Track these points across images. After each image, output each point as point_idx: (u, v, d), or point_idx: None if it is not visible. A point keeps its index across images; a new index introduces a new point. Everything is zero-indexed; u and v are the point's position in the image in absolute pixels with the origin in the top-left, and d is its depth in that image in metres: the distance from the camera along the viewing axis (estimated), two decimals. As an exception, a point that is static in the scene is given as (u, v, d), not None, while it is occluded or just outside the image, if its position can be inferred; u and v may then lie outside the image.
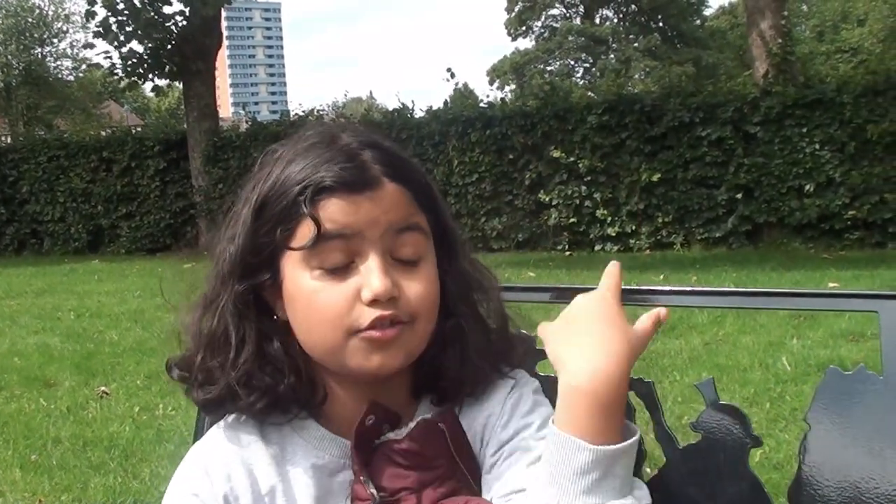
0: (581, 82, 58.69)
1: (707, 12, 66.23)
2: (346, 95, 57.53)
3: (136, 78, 18.21)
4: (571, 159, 13.94)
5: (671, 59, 53.70)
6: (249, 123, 18.12)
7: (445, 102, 16.70)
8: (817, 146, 12.32)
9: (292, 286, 1.13)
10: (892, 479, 1.20)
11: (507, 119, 14.52)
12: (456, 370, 1.18)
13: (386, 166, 1.13)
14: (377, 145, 1.16)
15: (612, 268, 1.27)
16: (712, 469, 1.33)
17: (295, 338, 1.16)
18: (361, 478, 1.11)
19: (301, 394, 1.16)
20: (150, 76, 18.15)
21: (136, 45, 17.75)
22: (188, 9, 17.42)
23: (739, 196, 12.89)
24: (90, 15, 17.72)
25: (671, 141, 13.34)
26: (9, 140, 24.93)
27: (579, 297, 1.19)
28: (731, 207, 13.03)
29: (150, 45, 17.61)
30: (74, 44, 44.53)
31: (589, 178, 13.89)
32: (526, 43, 69.91)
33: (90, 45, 36.57)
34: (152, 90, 19.18)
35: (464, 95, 19.84)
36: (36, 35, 43.63)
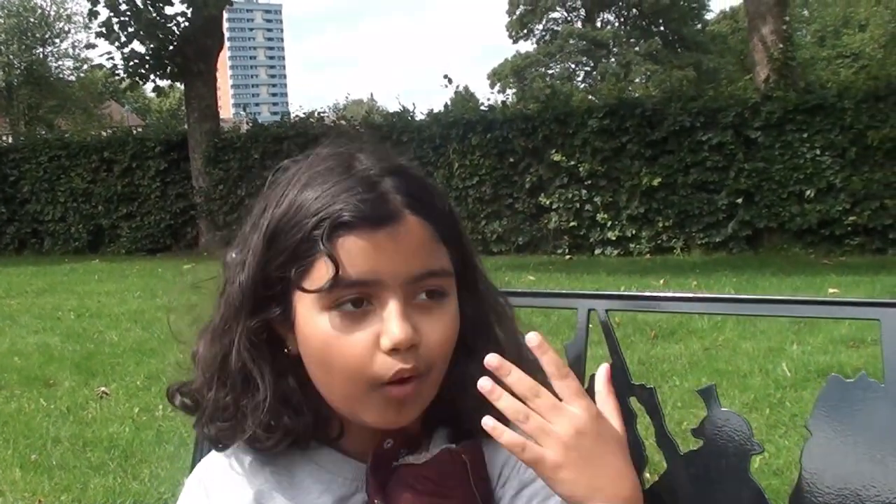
0: (582, 86, 58.72)
1: (708, 16, 66.26)
2: (347, 97, 57.49)
3: (137, 78, 18.24)
4: (572, 163, 13.94)
5: (672, 63, 53.73)
6: (250, 125, 18.12)
7: (446, 105, 16.71)
8: (818, 151, 12.32)
9: (306, 327, 1.06)
10: (893, 486, 1.20)
11: (508, 122, 14.52)
12: (475, 405, 1.08)
13: (408, 196, 1.05)
14: (398, 171, 1.08)
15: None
16: (713, 475, 1.34)
17: (307, 372, 1.09)
18: (376, 501, 1.09)
19: (319, 430, 1.11)
20: (152, 77, 18.17)
21: (137, 46, 17.80)
22: (190, 10, 17.45)
23: (740, 201, 12.89)
24: (93, 15, 17.73)
25: (672, 145, 13.34)
26: (10, 140, 24.91)
27: (576, 422, 0.96)
28: (731, 212, 13.03)
29: (151, 45, 17.63)
30: (76, 44, 44.72)
31: (589, 181, 13.90)
32: (527, 46, 69.83)
33: (92, 46, 36.53)
34: (153, 90, 19.21)
35: (464, 98, 19.85)
36: (38, 35, 43.67)
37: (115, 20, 17.46)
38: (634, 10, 65.74)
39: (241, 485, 1.11)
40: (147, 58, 17.81)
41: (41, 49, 44.14)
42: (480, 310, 1.15)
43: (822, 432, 1.26)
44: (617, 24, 68.25)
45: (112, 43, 17.71)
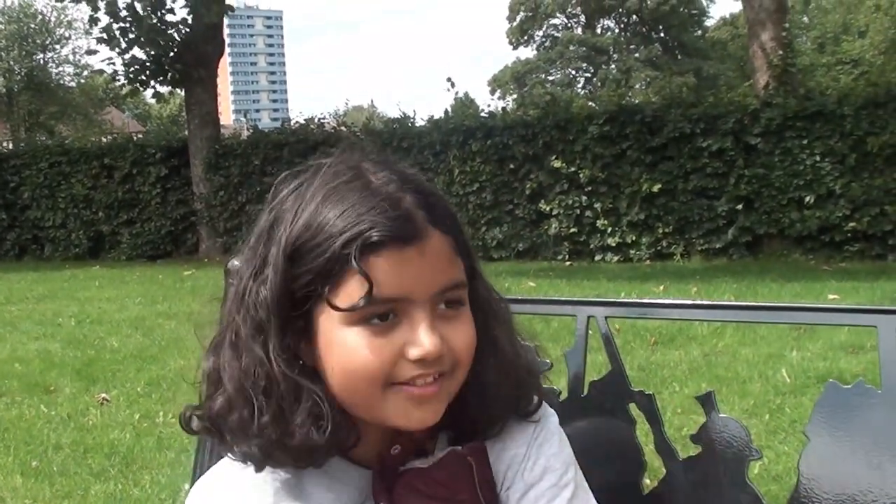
0: (582, 92, 58.77)
1: (708, 23, 66.45)
2: (346, 103, 57.41)
3: (138, 85, 18.24)
4: (572, 169, 13.95)
5: (672, 69, 53.73)
6: (251, 131, 18.13)
7: (446, 112, 16.72)
8: (818, 158, 12.33)
9: (329, 339, 1.06)
10: (890, 491, 1.21)
11: (508, 129, 14.53)
12: (477, 408, 1.14)
13: (428, 212, 1.07)
14: (414, 186, 1.09)
15: None
16: (712, 481, 1.34)
17: (325, 383, 1.09)
18: None
19: (337, 441, 1.09)
20: (153, 83, 18.18)
21: (138, 52, 17.81)
22: (191, 17, 17.47)
23: (740, 207, 12.90)
24: (94, 21, 17.75)
25: (672, 152, 13.35)
26: (10, 146, 24.93)
27: None
28: (731, 218, 13.04)
29: (152, 52, 17.65)
30: (76, 50, 44.63)
31: (589, 188, 13.91)
32: (527, 52, 69.99)
33: (93, 52, 36.47)
34: (153, 96, 19.20)
35: (465, 105, 19.85)
36: (38, 41, 43.69)
37: (115, 26, 17.47)
38: (634, 17, 65.88)
39: (248, 496, 1.11)
40: (148, 64, 17.82)
41: (42, 55, 44.16)
42: (483, 314, 1.16)
43: (819, 438, 1.27)
44: (617, 31, 68.41)
45: (112, 48, 17.72)
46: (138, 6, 17.38)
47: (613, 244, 13.86)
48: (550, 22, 68.49)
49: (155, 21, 17.51)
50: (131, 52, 17.79)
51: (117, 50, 17.76)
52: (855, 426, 1.24)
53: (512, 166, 14.48)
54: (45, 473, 4.59)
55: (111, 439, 5.13)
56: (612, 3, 65.16)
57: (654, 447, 1.43)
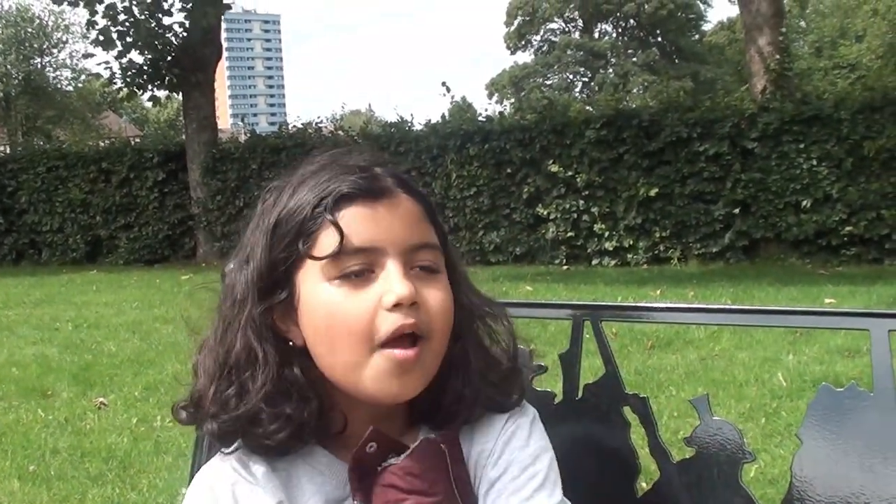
0: (580, 96, 58.82)
1: (706, 28, 66.47)
2: (343, 108, 57.38)
3: (135, 88, 18.22)
4: (569, 173, 13.97)
5: (669, 73, 53.90)
6: (248, 135, 18.12)
7: (443, 116, 16.73)
8: (814, 162, 12.35)
9: (311, 299, 1.11)
10: (882, 493, 1.22)
11: (506, 133, 14.54)
12: (456, 398, 1.17)
13: (398, 179, 1.16)
14: (386, 163, 1.18)
15: None
16: (706, 483, 1.35)
17: (314, 363, 1.14)
18: (357, 501, 1.11)
19: (322, 423, 1.14)
20: (150, 87, 18.17)
21: (136, 56, 17.80)
22: (188, 21, 17.47)
23: (737, 211, 12.91)
24: (91, 24, 17.73)
25: (669, 156, 13.37)
26: (8, 150, 24.90)
27: None
28: (728, 223, 13.05)
29: (149, 56, 17.64)
30: (74, 54, 44.56)
31: (587, 192, 13.92)
32: (525, 57, 70.04)
33: (90, 55, 36.50)
34: (149, 100, 19.18)
35: (462, 109, 19.86)
36: (35, 45, 43.63)
37: (113, 30, 17.45)
38: (632, 21, 65.96)
39: (242, 487, 1.12)
40: (145, 68, 17.81)
41: (39, 59, 44.10)
42: (463, 303, 1.21)
43: (812, 441, 1.28)
44: (615, 35, 68.46)
45: (106, 50, 17.69)
46: (136, 10, 17.38)
47: (611, 248, 13.87)
48: (548, 26, 68.55)
49: (153, 25, 17.50)
50: (128, 56, 17.78)
51: (115, 54, 17.75)
52: (847, 429, 1.25)
53: (509, 170, 14.50)
54: (42, 478, 4.60)
55: (108, 443, 5.14)
56: (610, 7, 65.25)
57: (648, 450, 1.44)
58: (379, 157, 1.20)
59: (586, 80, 66.97)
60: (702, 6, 66.13)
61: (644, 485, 1.45)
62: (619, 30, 68.46)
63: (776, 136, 12.61)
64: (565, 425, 1.47)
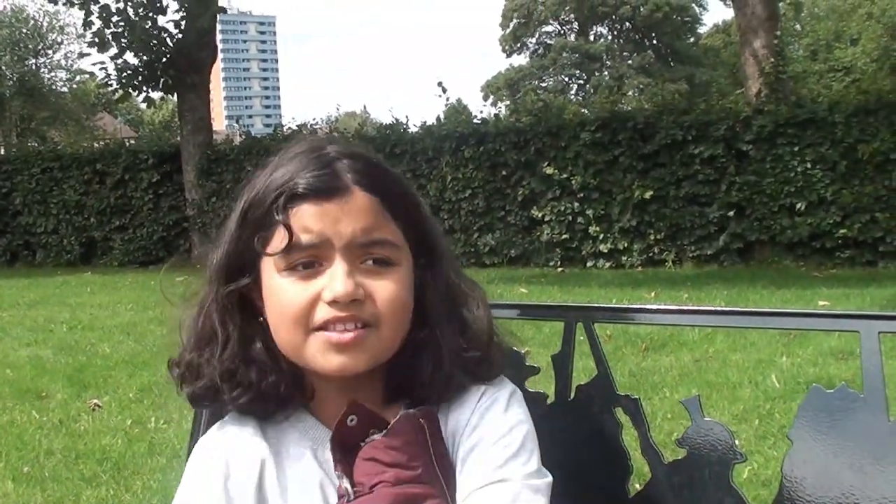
0: (575, 99, 58.86)
1: (701, 30, 66.57)
2: (338, 109, 57.36)
3: (130, 89, 18.19)
4: (564, 176, 13.98)
5: (664, 76, 53.86)
6: (243, 137, 18.12)
7: (439, 118, 16.73)
8: (809, 165, 12.36)
9: (266, 287, 1.21)
10: (872, 494, 1.23)
11: (501, 135, 14.55)
12: (428, 377, 1.22)
13: (359, 175, 1.20)
14: (356, 156, 1.23)
15: None
16: (698, 484, 1.36)
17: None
18: (337, 473, 1.16)
19: (287, 391, 1.23)
20: (145, 88, 18.14)
21: (130, 58, 17.77)
22: (183, 22, 17.45)
23: (731, 214, 12.93)
24: (87, 25, 17.71)
25: (664, 158, 13.38)
26: (2, 151, 24.87)
27: None
28: (722, 225, 13.07)
29: (144, 57, 17.62)
30: (69, 55, 44.57)
31: (582, 194, 13.93)
32: (520, 59, 70.06)
33: (85, 55, 36.33)
34: (143, 101, 19.15)
35: (457, 111, 19.86)
36: (30, 46, 43.62)
37: (107, 31, 17.43)
38: (627, 24, 66.05)
39: (236, 452, 1.22)
40: (140, 69, 17.79)
41: (34, 60, 44.09)
42: (440, 285, 1.26)
43: (803, 442, 1.28)
44: (610, 38, 68.55)
45: (100, 51, 17.67)
46: (130, 11, 17.37)
47: (605, 251, 13.88)
48: (543, 29, 68.63)
49: (148, 26, 17.48)
50: (123, 58, 17.75)
51: (110, 55, 17.73)
52: (837, 430, 1.26)
53: (504, 173, 14.50)
54: (36, 479, 4.59)
55: (103, 445, 5.13)
56: (606, 10, 65.33)
57: (640, 451, 1.45)
58: (357, 149, 1.25)
59: (581, 82, 67.02)
60: (697, 9, 66.27)
61: (637, 485, 1.46)
62: (615, 32, 68.56)
63: (771, 139, 12.62)
64: (557, 426, 1.48)
